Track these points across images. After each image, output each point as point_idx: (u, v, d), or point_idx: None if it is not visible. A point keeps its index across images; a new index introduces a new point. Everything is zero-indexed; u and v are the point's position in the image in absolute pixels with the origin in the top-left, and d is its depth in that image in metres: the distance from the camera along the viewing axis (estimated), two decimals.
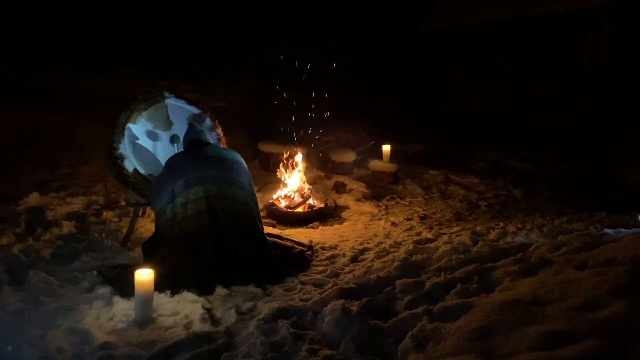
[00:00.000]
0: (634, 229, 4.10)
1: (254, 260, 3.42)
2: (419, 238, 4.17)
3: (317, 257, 3.92)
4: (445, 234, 4.28)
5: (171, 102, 4.44)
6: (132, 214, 4.22)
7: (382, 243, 4.15)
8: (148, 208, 4.39)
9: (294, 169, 5.64)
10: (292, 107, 7.81)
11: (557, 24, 9.31)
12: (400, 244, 4.04)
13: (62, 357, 2.34)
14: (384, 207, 5.65)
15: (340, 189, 6.06)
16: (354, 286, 2.86)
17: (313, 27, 11.74)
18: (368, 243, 4.22)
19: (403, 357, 2.06)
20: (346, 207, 5.60)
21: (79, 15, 9.63)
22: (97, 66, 8.29)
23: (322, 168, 6.68)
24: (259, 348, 2.24)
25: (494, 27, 10.45)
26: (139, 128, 4.33)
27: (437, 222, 5.05)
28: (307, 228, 4.90)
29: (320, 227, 4.94)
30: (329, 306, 2.52)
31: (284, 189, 5.54)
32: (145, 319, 2.73)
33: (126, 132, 4.11)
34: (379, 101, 10.93)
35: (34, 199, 4.81)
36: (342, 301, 2.54)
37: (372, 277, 3.05)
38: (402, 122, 10.03)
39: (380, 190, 6.28)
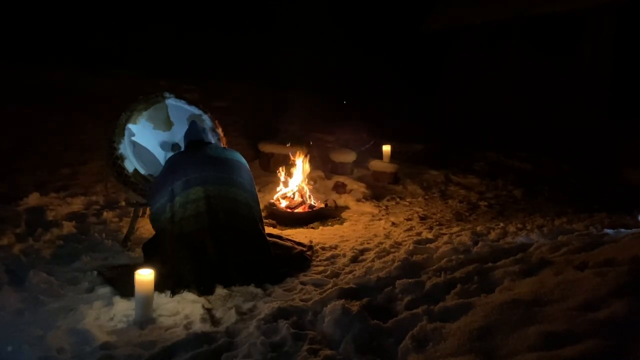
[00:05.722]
0: (634, 229, 4.10)
1: (254, 260, 3.41)
2: (419, 238, 4.17)
3: (317, 257, 3.91)
4: (445, 234, 4.28)
5: (171, 102, 4.44)
6: (132, 214, 4.23)
7: (382, 243, 4.15)
8: (148, 208, 4.39)
9: (294, 168, 5.63)
10: (292, 107, 7.81)
11: (558, 23, 9.32)
12: (400, 244, 4.04)
13: (62, 357, 2.34)
14: (384, 207, 5.65)
15: (340, 189, 6.06)
16: (354, 286, 2.86)
17: (313, 27, 11.74)
18: (368, 243, 4.22)
19: (403, 357, 2.05)
20: (346, 207, 5.60)
21: (80, 14, 9.62)
22: (98, 66, 8.28)
23: (322, 168, 6.69)
24: (259, 348, 2.24)
25: (494, 27, 10.46)
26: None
27: (437, 222, 5.05)
28: (307, 228, 4.90)
29: (320, 227, 4.94)
30: (329, 306, 2.51)
31: (284, 188, 5.53)
32: (145, 319, 2.73)
33: (126, 132, 4.11)
34: (379, 101, 10.94)
35: (34, 199, 4.81)
36: (342, 301, 2.54)
37: (372, 277, 3.04)
38: (402, 122, 10.03)
39: (380, 190, 6.28)
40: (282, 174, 5.61)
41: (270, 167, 6.56)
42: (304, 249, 3.99)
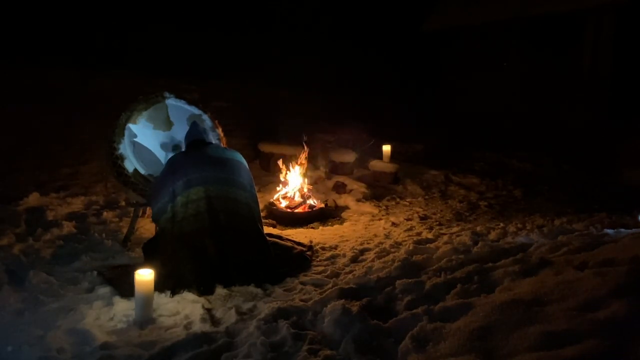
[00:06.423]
0: (634, 229, 4.10)
1: (254, 260, 3.42)
2: (419, 238, 4.17)
3: (317, 257, 3.92)
4: (445, 234, 4.28)
5: (171, 102, 4.44)
6: (132, 214, 4.23)
7: (382, 243, 4.15)
8: (148, 208, 4.39)
9: (294, 168, 5.63)
10: (292, 107, 7.81)
11: (558, 23, 9.31)
12: (400, 244, 4.04)
13: (62, 357, 2.34)
14: (384, 207, 5.65)
15: (340, 189, 6.06)
16: (354, 286, 2.86)
17: (313, 27, 11.74)
18: (368, 243, 4.22)
19: (403, 357, 2.06)
20: (346, 207, 5.60)
21: (80, 14, 9.62)
22: (98, 66, 8.28)
23: (322, 168, 6.68)
24: (259, 348, 2.24)
25: (494, 27, 10.45)
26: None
27: (437, 222, 5.05)
28: (307, 228, 4.90)
29: (320, 227, 4.94)
30: (329, 306, 2.52)
31: (283, 188, 5.53)
32: (145, 319, 2.73)
33: (126, 132, 4.12)
34: (379, 101, 10.93)
35: (34, 199, 4.81)
36: (342, 301, 2.54)
37: (372, 277, 3.05)
38: (402, 122, 10.03)
39: (380, 190, 6.28)
40: (282, 170, 5.57)
41: (270, 167, 6.56)
42: (304, 249, 3.99)
